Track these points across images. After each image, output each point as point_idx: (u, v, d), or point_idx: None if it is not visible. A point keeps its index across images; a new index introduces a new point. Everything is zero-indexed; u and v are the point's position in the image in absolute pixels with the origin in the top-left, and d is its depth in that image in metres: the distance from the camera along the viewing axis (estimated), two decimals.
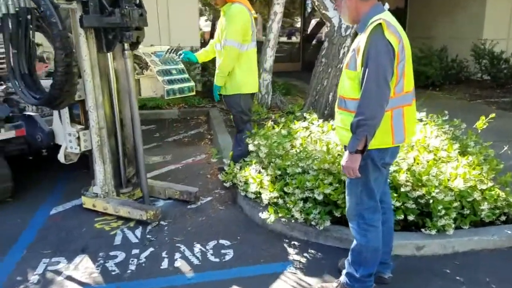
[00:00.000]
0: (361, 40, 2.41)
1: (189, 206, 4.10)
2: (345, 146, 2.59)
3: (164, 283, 2.90)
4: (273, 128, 4.58)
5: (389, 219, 2.90)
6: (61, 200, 4.24)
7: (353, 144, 2.39)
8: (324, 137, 4.11)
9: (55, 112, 4.04)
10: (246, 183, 3.95)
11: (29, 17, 3.35)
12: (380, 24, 2.32)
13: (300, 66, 14.60)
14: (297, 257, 3.21)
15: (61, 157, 3.90)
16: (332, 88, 6.53)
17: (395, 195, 3.35)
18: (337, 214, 3.42)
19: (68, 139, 3.85)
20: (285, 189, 3.58)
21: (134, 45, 3.82)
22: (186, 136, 6.83)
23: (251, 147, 4.01)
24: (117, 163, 4.11)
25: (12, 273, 2.98)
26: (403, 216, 3.37)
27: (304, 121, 4.68)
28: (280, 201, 3.64)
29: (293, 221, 3.50)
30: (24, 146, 4.35)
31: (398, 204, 3.33)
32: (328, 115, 6.32)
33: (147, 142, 6.32)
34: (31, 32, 3.44)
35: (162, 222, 3.77)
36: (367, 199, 2.63)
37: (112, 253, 3.26)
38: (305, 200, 3.52)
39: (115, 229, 3.65)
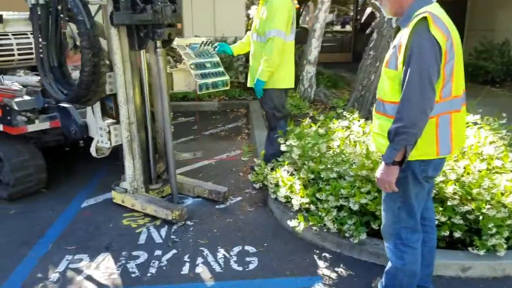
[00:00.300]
0: (403, 35, 2.11)
1: (217, 206, 3.96)
2: (382, 156, 2.31)
3: None
4: (310, 126, 4.32)
5: (431, 239, 2.59)
6: (94, 192, 4.25)
7: (390, 154, 2.11)
8: (364, 139, 3.81)
9: None
10: (276, 185, 3.74)
11: (59, 7, 3.29)
12: (425, 17, 2.01)
13: (351, 57, 14.02)
14: (327, 272, 2.97)
15: (92, 150, 3.87)
16: None
17: (441, 208, 3.02)
18: (375, 226, 3.13)
19: (99, 133, 3.81)
20: (318, 195, 3.33)
21: (167, 43, 3.71)
22: (223, 130, 6.71)
23: (283, 147, 3.78)
24: (147, 158, 4.03)
25: (34, 269, 2.97)
26: (448, 233, 3.03)
27: (344, 119, 4.38)
28: (312, 207, 3.40)
29: (325, 230, 3.26)
30: (60, 137, 4.38)
31: (443, 219, 2.99)
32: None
33: (185, 135, 6.27)
34: (62, 22, 3.39)
35: (188, 222, 3.65)
36: (406, 216, 2.35)
37: (134, 253, 3.18)
38: (340, 208, 3.26)
39: (141, 227, 3.58)
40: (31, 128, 3.98)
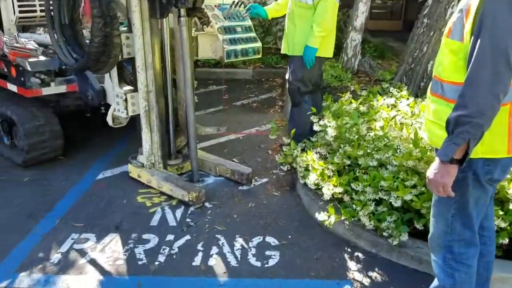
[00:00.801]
0: None
1: (240, 188, 3.60)
2: (436, 150, 1.84)
3: (188, 285, 2.46)
4: (350, 102, 3.82)
5: (490, 252, 2.12)
6: (112, 163, 3.99)
7: (448, 149, 1.64)
8: (413, 121, 3.28)
9: None
10: (306, 169, 3.32)
11: None
12: None
13: (401, 25, 12.96)
14: (358, 276, 2.57)
15: (109, 119, 3.57)
16: (433, 56, 5.45)
17: (501, 212, 2.52)
18: (419, 225, 2.68)
19: (116, 101, 3.50)
20: (353, 185, 2.89)
21: (192, 11, 3.31)
22: (256, 100, 6.28)
23: (316, 127, 3.32)
24: (167, 131, 3.70)
25: (36, 247, 2.75)
26: (507, 240, 2.54)
27: (390, 96, 3.85)
28: (346, 198, 2.98)
29: (359, 226, 2.83)
30: (80, 102, 4.13)
31: (503, 224, 2.50)
32: (424, 89, 5.32)
33: (214, 105, 5.90)
34: None
35: (206, 204, 3.32)
36: (461, 227, 1.89)
37: (145, 236, 2.90)
38: (378, 202, 2.82)
39: (156, 206, 3.29)
40: (46, 91, 3.73)
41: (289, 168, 3.55)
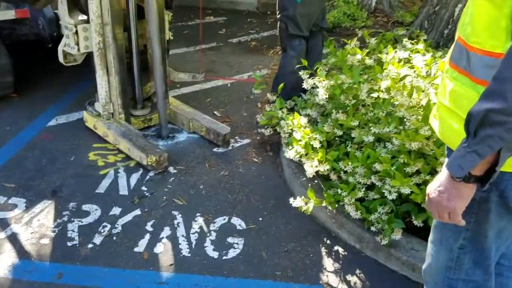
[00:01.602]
0: None
1: (215, 150, 3.04)
2: (447, 150, 1.26)
3: (120, 281, 1.98)
4: (355, 53, 3.11)
5: (506, 286, 1.57)
6: (71, 107, 3.42)
7: (465, 161, 1.04)
8: (428, 86, 2.60)
9: None
10: (291, 135, 2.72)
11: None
12: None
13: None
14: (333, 280, 2.07)
15: (60, 55, 2.95)
16: None
17: None
18: (418, 222, 2.13)
19: (65, 34, 2.85)
20: (342, 164, 2.30)
21: None
22: (255, 38, 5.50)
23: (305, 85, 2.66)
24: (131, 74, 3.08)
25: None
26: None
27: (405, 49, 3.12)
28: (333, 175, 2.41)
29: (343, 215, 2.29)
30: (35, 31, 3.47)
31: None
32: (447, 39, 4.50)
33: (207, 40, 5.17)
34: None
35: (170, 168, 2.79)
36: (472, 264, 1.34)
37: (85, 207, 2.40)
38: (370, 187, 2.25)
39: (109, 167, 2.76)
40: None
41: (271, 132, 2.95)
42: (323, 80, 2.51)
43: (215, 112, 3.55)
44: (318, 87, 2.52)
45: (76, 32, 2.77)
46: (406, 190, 2.01)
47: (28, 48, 3.75)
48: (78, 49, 2.81)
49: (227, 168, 2.85)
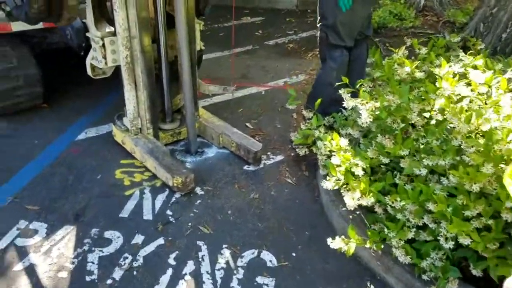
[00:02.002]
0: None
1: (246, 167, 2.84)
2: None
3: None
4: (403, 63, 2.80)
5: None
6: (100, 119, 3.31)
7: None
8: (489, 113, 2.25)
9: None
10: (330, 157, 2.46)
11: None
12: None
13: None
14: None
15: (88, 68, 2.83)
16: None
17: None
18: (477, 271, 1.84)
19: (93, 46, 2.72)
20: (389, 198, 2.03)
21: None
22: (293, 40, 5.24)
23: (346, 104, 2.39)
24: (160, 86, 2.92)
25: None
26: None
27: (458, 61, 2.77)
28: (379, 208, 2.15)
29: (390, 257, 2.03)
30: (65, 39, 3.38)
31: None
32: (505, 44, 4.07)
33: (242, 43, 4.97)
34: None
35: (197, 189, 2.61)
36: None
37: (108, 234, 2.26)
38: (421, 227, 1.97)
39: (135, 187, 2.62)
40: (16, 26, 3.00)
41: (306, 153, 2.70)
42: (367, 103, 2.22)
43: (247, 124, 3.34)
44: (360, 109, 2.24)
45: (103, 45, 2.63)
46: (465, 241, 1.72)
47: (59, 57, 3.67)
48: (106, 63, 2.68)
49: (257, 190, 2.64)
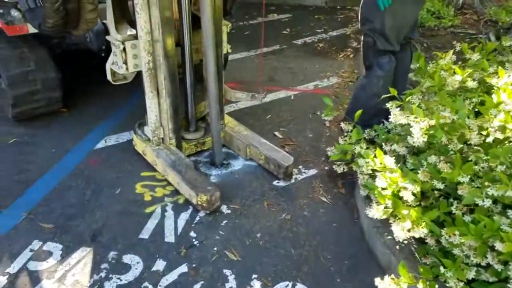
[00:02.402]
0: None
1: (275, 183, 2.60)
2: None
3: None
4: (451, 69, 2.50)
5: None
6: (120, 126, 3.12)
7: None
8: None
9: None
10: (372, 176, 2.21)
11: None
12: None
13: None
14: None
15: (108, 73, 2.64)
16: None
17: None
18: None
19: (113, 50, 2.52)
20: (445, 231, 1.77)
21: None
22: (323, 39, 4.95)
23: (393, 118, 2.11)
24: (184, 93, 2.71)
25: None
26: None
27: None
28: (431, 239, 1.88)
29: None
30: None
31: None
32: None
33: (269, 42, 4.72)
34: None
35: (223, 207, 2.40)
36: None
37: (126, 258, 2.07)
38: (483, 266, 1.71)
39: (156, 203, 2.42)
40: (33, 28, 2.82)
41: (345, 170, 2.44)
42: (422, 120, 1.95)
43: (276, 133, 3.10)
44: (411, 126, 1.97)
45: (124, 50, 2.43)
46: None
47: (79, 58, 3.50)
48: (127, 68, 2.48)
49: (289, 210, 2.40)
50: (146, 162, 2.72)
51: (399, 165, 2.12)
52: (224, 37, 2.74)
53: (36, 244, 2.12)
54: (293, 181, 2.62)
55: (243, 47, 4.53)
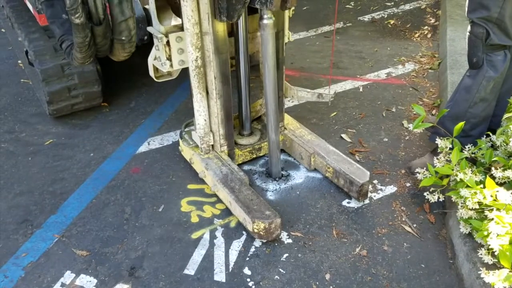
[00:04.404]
0: None
1: (345, 203, 2.16)
2: None
3: None
4: None
5: None
6: (165, 125, 2.78)
7: None
8: None
9: None
10: (479, 212, 1.71)
11: None
12: None
13: None
14: None
15: (150, 69, 2.26)
16: None
17: None
18: None
19: (155, 44, 2.13)
20: None
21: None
22: (394, 14, 4.30)
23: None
24: (238, 91, 2.29)
25: None
26: None
27: None
28: None
29: None
30: None
31: None
32: None
33: (327, 20, 4.15)
34: None
35: (283, 234, 1.99)
36: None
37: None
38: None
39: (204, 226, 2.06)
40: None
41: (440, 200, 1.94)
42: None
43: (343, 136, 2.63)
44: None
45: (168, 43, 2.02)
46: None
47: None
48: (171, 65, 2.08)
49: (364, 242, 1.96)
50: (193, 171, 2.36)
51: None
52: (286, 24, 2.26)
53: (68, 277, 1.84)
54: (367, 201, 2.16)
55: (301, 26, 4.01)
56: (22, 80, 3.31)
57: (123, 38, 1.99)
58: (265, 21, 1.89)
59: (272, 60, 1.98)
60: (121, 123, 2.79)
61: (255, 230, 1.92)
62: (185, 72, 2.17)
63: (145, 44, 2.54)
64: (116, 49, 2.06)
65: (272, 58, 1.98)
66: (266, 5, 1.76)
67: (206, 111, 2.17)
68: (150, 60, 2.21)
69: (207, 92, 2.14)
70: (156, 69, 2.26)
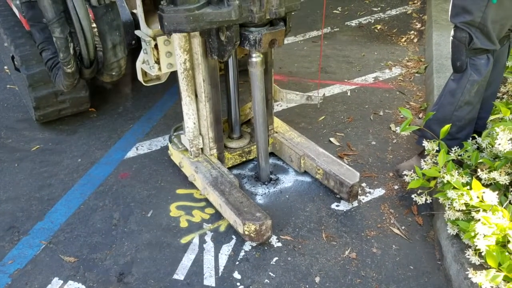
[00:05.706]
0: None
1: (335, 206, 2.17)
2: None
3: None
4: None
5: None
6: (154, 129, 2.77)
7: None
8: None
9: None
10: (466, 213, 1.73)
11: None
12: None
13: None
14: None
15: (138, 73, 2.25)
16: None
17: None
18: None
19: (143, 47, 2.12)
20: None
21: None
22: (381, 19, 4.35)
23: (504, 145, 1.61)
24: (227, 94, 2.30)
25: None
26: None
27: None
28: None
29: None
30: None
31: None
32: None
33: (316, 25, 4.19)
34: None
35: (273, 238, 1.99)
36: None
37: None
38: None
39: (193, 231, 2.05)
40: None
41: (428, 202, 1.96)
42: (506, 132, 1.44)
43: (331, 139, 2.65)
44: (496, 139, 1.47)
45: (156, 46, 2.03)
46: None
47: None
48: (159, 69, 2.08)
49: (354, 244, 1.97)
50: (182, 175, 2.35)
51: (499, 197, 1.63)
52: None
53: (56, 284, 1.81)
54: (356, 204, 2.18)
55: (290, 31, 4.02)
56: (8, 86, 3.28)
57: (113, 73, 2.10)
58: (253, 59, 1.96)
59: (260, 96, 2.03)
60: (109, 128, 2.77)
61: (246, 232, 1.92)
62: (173, 76, 2.17)
63: (133, 49, 2.54)
64: (104, 77, 2.15)
65: (261, 94, 2.02)
66: (255, 47, 1.84)
67: (195, 114, 2.17)
68: (139, 64, 2.21)
69: (196, 95, 2.14)
70: (144, 73, 2.26)
